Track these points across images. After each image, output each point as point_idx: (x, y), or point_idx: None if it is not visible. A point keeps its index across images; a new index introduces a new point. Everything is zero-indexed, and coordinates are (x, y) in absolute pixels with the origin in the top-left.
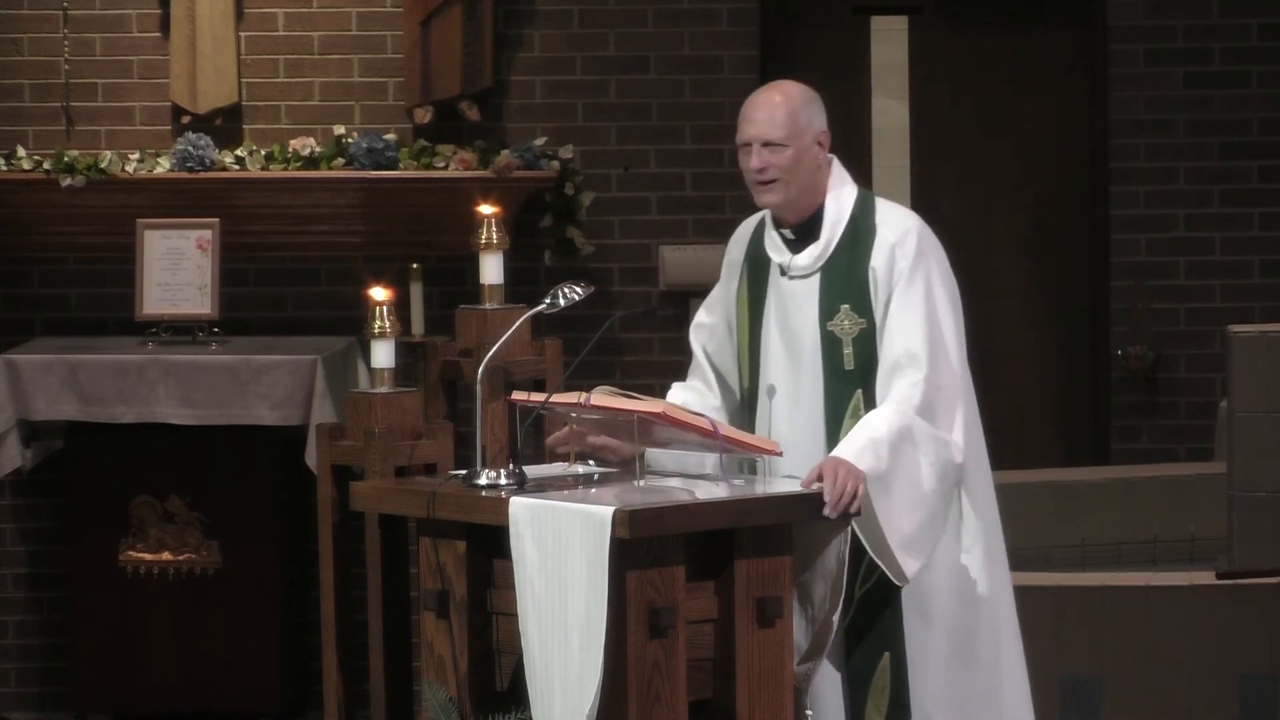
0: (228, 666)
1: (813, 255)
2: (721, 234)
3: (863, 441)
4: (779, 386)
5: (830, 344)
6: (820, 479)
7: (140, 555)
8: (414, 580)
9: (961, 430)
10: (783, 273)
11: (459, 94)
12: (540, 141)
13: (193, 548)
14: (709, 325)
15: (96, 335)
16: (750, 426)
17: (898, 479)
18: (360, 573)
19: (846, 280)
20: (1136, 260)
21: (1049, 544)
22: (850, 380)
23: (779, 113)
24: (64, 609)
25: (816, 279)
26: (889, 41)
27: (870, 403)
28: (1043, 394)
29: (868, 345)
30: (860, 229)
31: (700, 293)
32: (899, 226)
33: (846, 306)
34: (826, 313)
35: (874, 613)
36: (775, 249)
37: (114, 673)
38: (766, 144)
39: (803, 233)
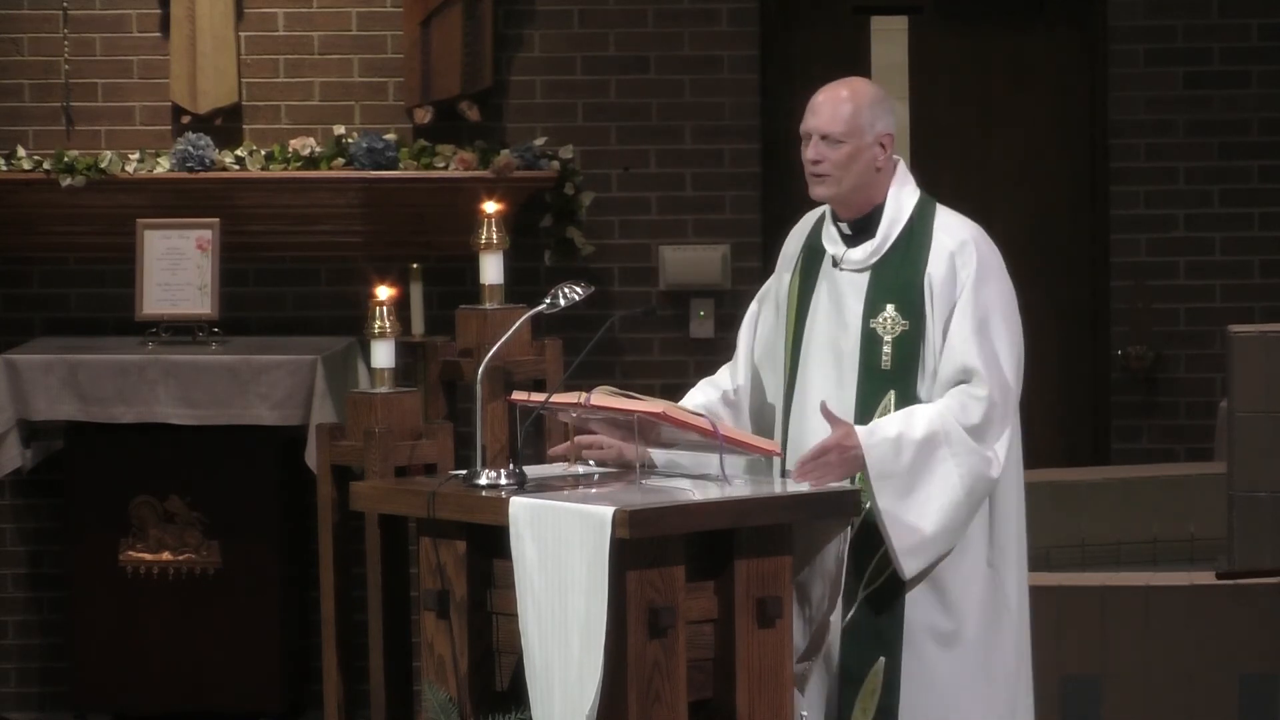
0: (228, 666)
1: (867, 251)
2: (721, 234)
3: (892, 433)
4: (816, 379)
5: (870, 341)
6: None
7: (140, 555)
8: (414, 580)
9: (1005, 446)
10: (835, 264)
11: (459, 94)
12: (540, 141)
13: (193, 548)
14: (756, 314)
15: (96, 335)
16: (785, 417)
17: (921, 483)
18: (360, 573)
19: (896, 280)
20: (1136, 260)
21: (1049, 544)
22: (885, 380)
23: (842, 109)
24: (64, 609)
25: (867, 275)
26: (889, 41)
27: (903, 405)
28: (1043, 394)
29: (907, 347)
30: (917, 232)
31: (700, 293)
32: (958, 235)
33: (892, 306)
34: (871, 309)
35: (876, 615)
36: (831, 241)
37: (114, 673)
38: (824, 137)
39: (859, 228)
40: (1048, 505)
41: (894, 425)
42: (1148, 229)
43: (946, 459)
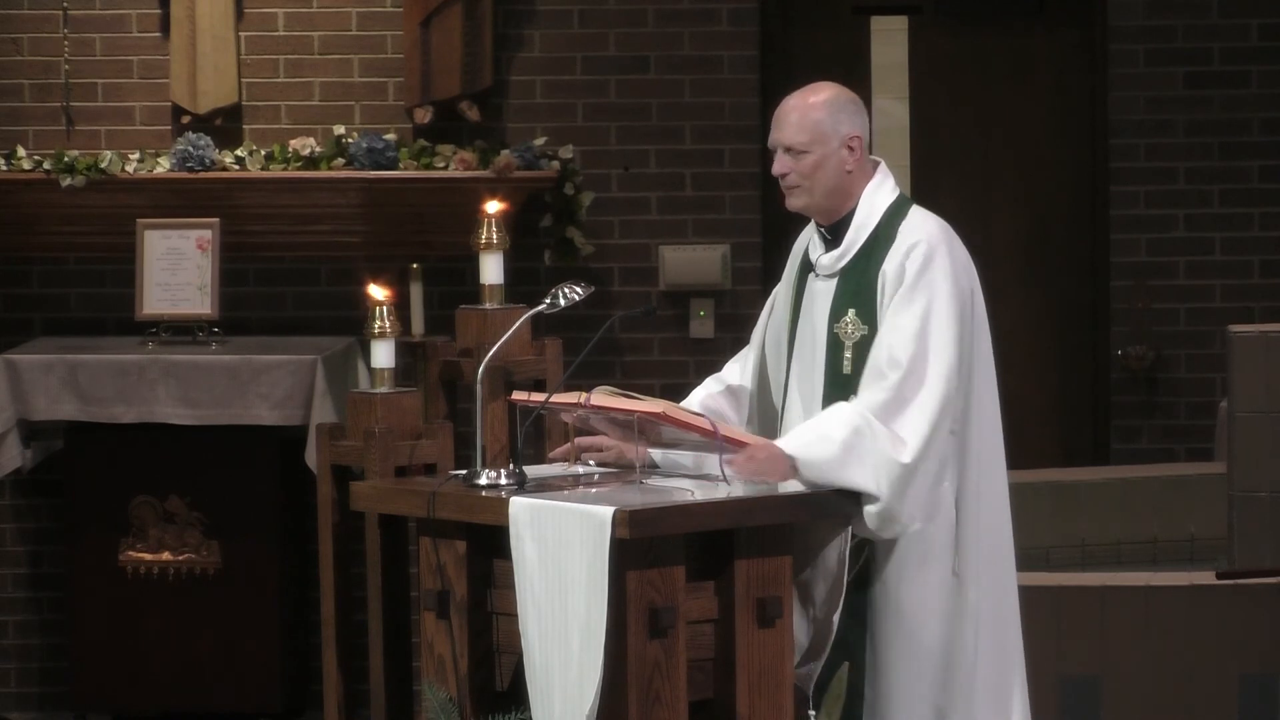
0: (227, 666)
1: (834, 257)
2: (721, 234)
3: (811, 435)
4: (796, 384)
5: (834, 347)
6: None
7: (140, 555)
8: (414, 580)
9: (920, 435)
10: (812, 270)
11: (459, 94)
12: (540, 141)
13: (193, 548)
14: (771, 304)
15: (96, 335)
16: (780, 417)
17: (848, 474)
18: (360, 573)
19: (859, 285)
20: (1136, 260)
21: (1049, 544)
22: (847, 385)
23: (805, 119)
24: (64, 609)
25: (835, 281)
26: (889, 41)
27: None
28: (1043, 394)
29: (867, 352)
30: (882, 236)
31: (700, 293)
32: (915, 234)
33: (853, 311)
34: (835, 315)
35: (840, 621)
36: (814, 246)
37: (113, 673)
38: (788, 149)
39: (834, 233)
40: (1048, 505)
41: (813, 427)
42: (1148, 229)
43: (868, 453)
